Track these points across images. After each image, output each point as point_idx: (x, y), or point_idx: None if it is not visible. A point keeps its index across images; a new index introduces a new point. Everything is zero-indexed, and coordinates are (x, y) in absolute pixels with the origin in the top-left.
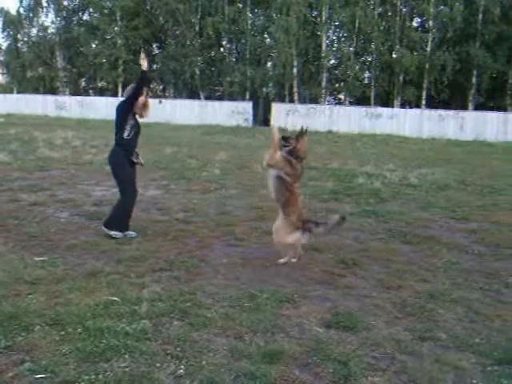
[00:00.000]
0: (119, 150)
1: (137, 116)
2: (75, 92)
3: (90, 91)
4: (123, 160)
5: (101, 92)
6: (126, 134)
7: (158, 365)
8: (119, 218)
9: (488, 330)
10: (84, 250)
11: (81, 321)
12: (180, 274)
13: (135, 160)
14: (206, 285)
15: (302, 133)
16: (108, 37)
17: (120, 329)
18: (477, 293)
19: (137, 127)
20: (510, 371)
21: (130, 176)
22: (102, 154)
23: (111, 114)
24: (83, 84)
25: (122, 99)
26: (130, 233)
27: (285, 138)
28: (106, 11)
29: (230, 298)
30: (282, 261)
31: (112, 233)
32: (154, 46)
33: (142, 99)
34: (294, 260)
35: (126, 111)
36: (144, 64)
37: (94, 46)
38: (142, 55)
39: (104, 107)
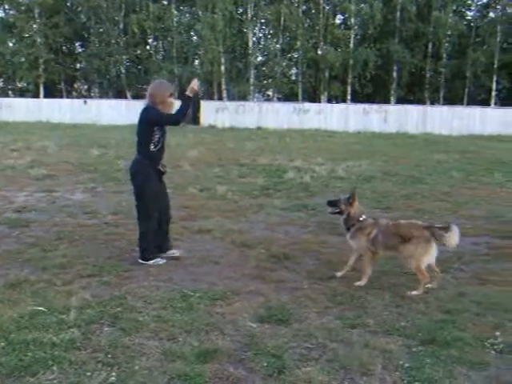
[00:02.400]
0: (143, 160)
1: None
2: None
3: (9, 92)
4: (149, 171)
5: (21, 93)
6: (152, 147)
7: (88, 374)
8: (146, 243)
9: (413, 313)
10: (6, 259)
11: (4, 334)
12: (110, 279)
13: (162, 169)
14: (137, 288)
15: (354, 196)
16: (26, 35)
17: (47, 340)
18: (402, 278)
19: (164, 137)
20: (433, 350)
21: (156, 194)
22: (23, 158)
23: (32, 116)
24: (1, 84)
25: (144, 106)
26: (158, 260)
27: (332, 203)
28: (22, 8)
29: (162, 300)
30: (414, 293)
31: (152, 262)
32: (76, 44)
33: (171, 100)
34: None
35: (151, 129)
36: (193, 88)
37: (11, 44)
38: (195, 81)
39: (25, 109)
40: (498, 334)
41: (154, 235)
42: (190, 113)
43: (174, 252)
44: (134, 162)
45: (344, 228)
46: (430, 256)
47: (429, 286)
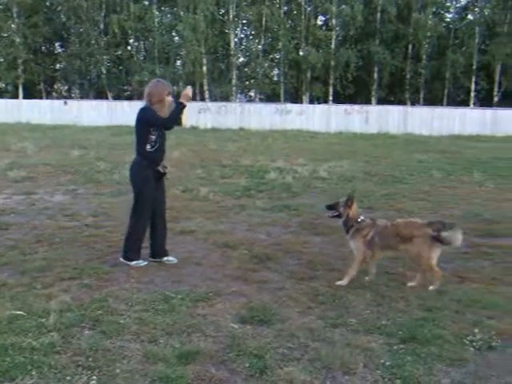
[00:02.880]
0: (142, 161)
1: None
2: None
3: None
4: (147, 173)
5: None
6: (149, 147)
7: (68, 378)
8: (134, 241)
9: (393, 311)
10: None
11: None
12: (90, 282)
13: (161, 170)
14: (119, 290)
15: (351, 198)
16: (5, 35)
17: (26, 344)
18: (383, 277)
19: (162, 137)
20: (414, 348)
21: (153, 197)
22: (2, 160)
23: (11, 117)
24: None
25: (142, 106)
26: (140, 262)
27: (331, 206)
28: (0, 7)
29: (144, 302)
30: (431, 288)
31: (134, 263)
32: (56, 44)
33: (169, 99)
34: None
35: (147, 130)
36: (187, 96)
37: None
38: (189, 89)
39: (3, 110)
40: (476, 331)
41: (141, 237)
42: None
43: (171, 259)
44: (133, 163)
45: (344, 230)
46: (436, 252)
47: (411, 284)
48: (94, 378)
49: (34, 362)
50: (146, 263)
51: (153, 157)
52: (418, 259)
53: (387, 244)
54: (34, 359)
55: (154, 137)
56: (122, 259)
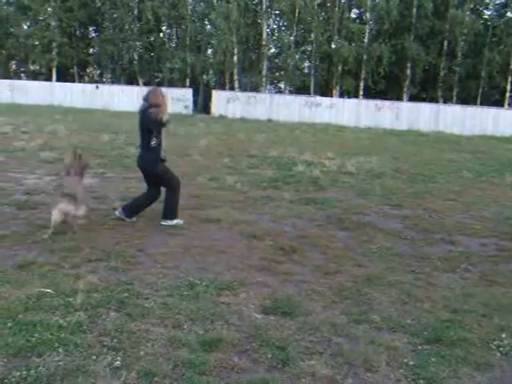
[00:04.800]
0: (150, 156)
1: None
2: (5, 75)
3: (22, 75)
4: (157, 159)
5: (33, 76)
6: (153, 143)
7: (93, 357)
8: (175, 207)
9: (419, 311)
10: (15, 241)
11: (11, 315)
12: (117, 264)
13: (163, 158)
14: (144, 274)
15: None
16: (41, 18)
17: (54, 322)
18: (409, 276)
19: (161, 132)
20: (438, 349)
21: (167, 169)
22: (34, 141)
23: (44, 99)
24: (14, 67)
25: (146, 105)
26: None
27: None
28: None
29: (169, 287)
30: None
31: (175, 222)
32: (90, 29)
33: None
34: None
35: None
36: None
37: (25, 27)
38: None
39: (36, 92)
40: (503, 335)
41: (177, 202)
42: (201, 102)
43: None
44: (142, 158)
45: None
46: None
47: None
48: (119, 358)
49: (61, 339)
50: (182, 222)
51: (156, 149)
52: None
53: None
54: (60, 337)
55: (156, 133)
56: (162, 222)
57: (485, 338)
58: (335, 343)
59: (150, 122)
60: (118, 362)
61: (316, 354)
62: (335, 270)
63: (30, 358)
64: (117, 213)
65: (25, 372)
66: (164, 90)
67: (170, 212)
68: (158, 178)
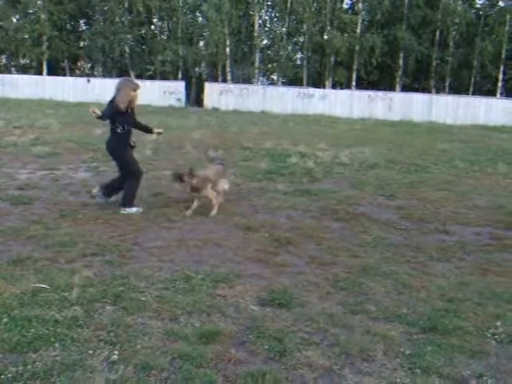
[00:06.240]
0: (115, 141)
1: (129, 110)
2: None
3: (12, 69)
4: (121, 144)
5: (24, 70)
6: (119, 129)
7: (90, 352)
8: (133, 195)
9: (414, 300)
10: (9, 236)
11: (6, 310)
12: (112, 258)
13: (132, 144)
14: (140, 268)
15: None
16: (30, 11)
17: (49, 317)
18: (404, 266)
19: (129, 120)
20: (434, 338)
21: (131, 155)
22: (26, 136)
23: (35, 93)
24: (4, 61)
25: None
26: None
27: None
28: None
29: (165, 280)
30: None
31: (135, 210)
32: (80, 22)
33: (133, 95)
34: None
35: (112, 116)
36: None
37: (15, 20)
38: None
39: (27, 86)
40: (498, 323)
41: (136, 189)
42: (193, 94)
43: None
44: (108, 142)
45: None
46: None
47: None
48: (116, 352)
49: (57, 334)
50: (142, 210)
51: (123, 135)
52: None
53: None
54: (57, 332)
55: (121, 119)
56: (121, 210)
57: (480, 326)
58: (332, 334)
59: (111, 110)
60: (114, 356)
61: (313, 345)
62: (330, 261)
63: (27, 354)
64: (97, 198)
65: (21, 367)
66: (157, 83)
67: (128, 200)
68: (119, 162)
